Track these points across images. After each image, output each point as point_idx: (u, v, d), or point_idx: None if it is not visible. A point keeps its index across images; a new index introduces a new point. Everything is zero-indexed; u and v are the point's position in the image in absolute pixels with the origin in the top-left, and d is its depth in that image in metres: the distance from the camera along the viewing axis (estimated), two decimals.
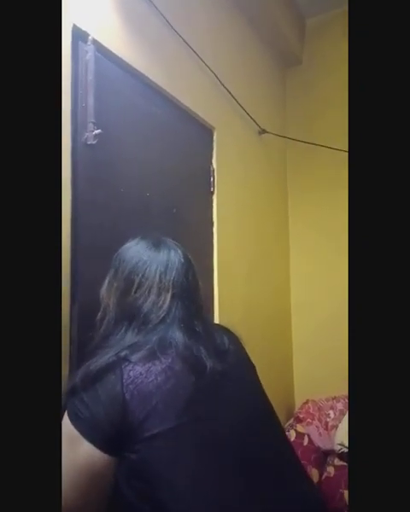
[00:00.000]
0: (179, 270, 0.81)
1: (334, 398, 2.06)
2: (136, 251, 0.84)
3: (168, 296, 0.78)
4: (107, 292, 0.84)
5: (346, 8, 2.32)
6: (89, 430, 0.64)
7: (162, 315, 0.75)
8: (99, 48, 1.17)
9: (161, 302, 0.77)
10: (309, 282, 2.36)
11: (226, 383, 0.74)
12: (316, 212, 2.38)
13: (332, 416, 1.94)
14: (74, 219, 1.06)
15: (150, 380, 0.67)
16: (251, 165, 2.04)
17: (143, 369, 0.67)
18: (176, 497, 0.61)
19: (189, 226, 1.54)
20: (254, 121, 2.02)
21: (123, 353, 0.69)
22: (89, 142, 1.09)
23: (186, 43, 1.55)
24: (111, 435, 0.64)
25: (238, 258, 1.85)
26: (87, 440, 0.64)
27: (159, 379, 0.67)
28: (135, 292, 0.78)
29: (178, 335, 0.73)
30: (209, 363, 0.71)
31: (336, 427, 1.88)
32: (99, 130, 1.10)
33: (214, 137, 1.72)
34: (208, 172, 1.68)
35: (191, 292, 0.82)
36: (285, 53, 2.43)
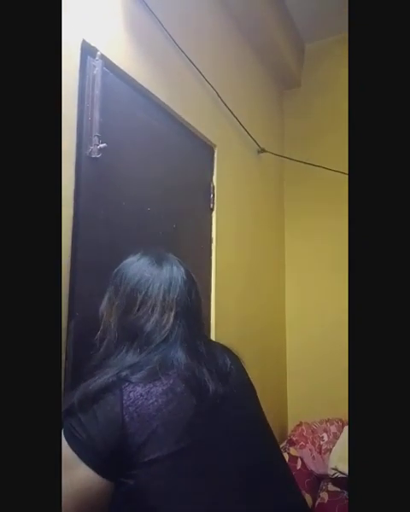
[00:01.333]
0: (182, 287, 0.79)
1: (327, 421, 2.02)
2: (138, 267, 0.81)
3: (172, 315, 0.75)
4: (107, 310, 0.81)
5: (345, 34, 2.39)
6: (86, 452, 0.62)
7: (165, 334, 0.73)
8: (106, 63, 1.18)
9: (164, 321, 0.74)
10: (304, 300, 2.36)
11: (227, 406, 0.72)
12: (312, 231, 2.39)
13: (326, 439, 1.91)
14: (75, 234, 1.04)
15: (151, 402, 0.64)
16: (250, 184, 2.05)
17: (144, 391, 0.65)
18: None
19: (188, 243, 1.53)
20: (254, 140, 2.04)
21: (124, 373, 0.67)
22: (93, 156, 1.09)
23: (190, 61, 1.57)
24: (108, 458, 0.61)
25: (236, 276, 1.84)
26: (84, 463, 0.62)
27: (160, 401, 0.65)
28: (138, 310, 0.75)
29: (180, 355, 0.71)
30: (212, 386, 0.69)
31: (329, 450, 1.84)
32: (104, 144, 1.10)
33: (215, 155, 1.72)
34: (209, 189, 1.68)
35: (194, 310, 0.80)
36: (284, 75, 2.48)
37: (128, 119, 1.28)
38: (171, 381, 0.67)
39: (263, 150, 2.11)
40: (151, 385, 0.66)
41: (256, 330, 2.00)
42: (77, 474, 0.62)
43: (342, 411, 1.98)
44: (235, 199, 1.88)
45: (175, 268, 0.81)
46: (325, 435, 1.93)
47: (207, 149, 1.69)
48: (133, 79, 1.30)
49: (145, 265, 0.81)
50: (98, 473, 0.61)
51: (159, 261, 0.82)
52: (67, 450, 0.62)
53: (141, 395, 0.64)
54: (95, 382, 0.66)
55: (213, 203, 1.69)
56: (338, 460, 1.73)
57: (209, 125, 1.69)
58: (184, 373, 0.69)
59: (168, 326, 0.74)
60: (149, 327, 0.74)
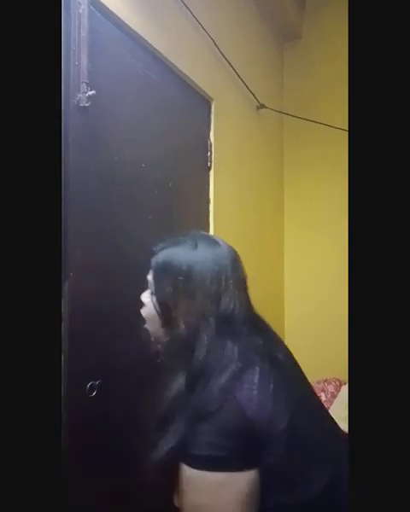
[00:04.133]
0: (237, 266, 0.76)
1: (325, 381, 2.04)
2: (202, 257, 0.73)
3: (243, 296, 0.74)
4: (182, 310, 0.71)
5: None
6: (230, 463, 0.60)
7: (241, 317, 0.71)
8: (93, 2, 1.07)
9: (237, 304, 0.71)
10: (303, 263, 2.33)
11: (293, 371, 0.76)
12: (311, 191, 2.33)
13: (324, 398, 1.93)
14: (65, 187, 0.98)
15: (261, 390, 0.64)
16: (249, 142, 1.96)
17: (250, 381, 0.65)
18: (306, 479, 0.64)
19: (185, 203, 1.47)
20: (253, 95, 1.94)
21: (230, 372, 0.64)
22: (81, 105, 1.01)
23: (186, 6, 1.45)
24: (249, 454, 0.61)
25: (235, 238, 1.79)
26: (236, 471, 0.60)
27: (264, 386, 0.65)
28: (219, 300, 0.70)
29: (257, 339, 0.71)
30: (281, 357, 0.72)
31: (327, 409, 1.87)
32: (93, 92, 1.02)
33: (212, 109, 1.63)
34: (206, 147, 1.60)
35: (246, 287, 0.78)
36: (284, 25, 2.33)
37: (119, 67, 1.19)
38: (260, 364, 0.67)
39: (263, 106, 2.01)
40: (253, 374, 0.66)
41: (256, 292, 1.97)
42: (240, 488, 0.60)
43: (340, 372, 2.00)
44: (233, 157, 1.80)
45: (226, 247, 0.77)
46: (322, 395, 1.95)
47: (204, 103, 1.60)
48: (124, 23, 1.20)
49: (206, 253, 0.73)
50: (252, 468, 0.61)
51: (211, 243, 0.76)
52: (209, 476, 0.60)
53: (251, 388, 0.64)
54: (215, 397, 0.62)
55: (211, 161, 1.61)
56: (336, 419, 1.75)
57: (206, 77, 1.59)
58: (265, 354, 0.70)
59: (243, 309, 0.72)
60: (230, 313, 0.70)
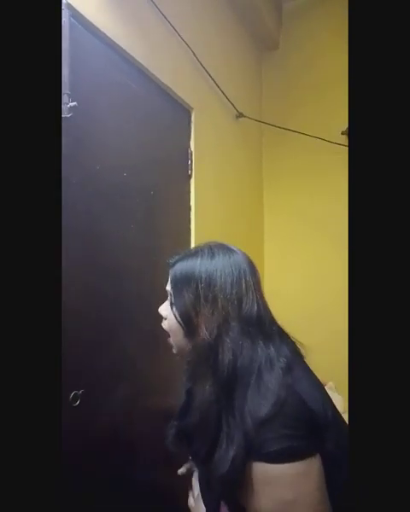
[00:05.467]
0: (256, 270, 0.80)
1: None
2: (221, 264, 0.75)
3: (263, 298, 0.77)
4: (204, 317, 0.72)
5: None
6: (307, 450, 0.63)
7: (268, 317, 0.76)
8: (74, 14, 1.09)
9: (262, 304, 0.76)
10: (282, 269, 2.36)
11: None
12: (291, 199, 2.37)
13: None
14: None
15: (309, 381, 0.70)
16: (228, 150, 1.99)
17: (299, 375, 0.69)
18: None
19: (167, 210, 1.48)
20: (232, 104, 1.98)
21: (280, 368, 0.68)
22: (63, 115, 1.02)
23: (165, 18, 1.47)
24: (316, 441, 0.65)
25: None
26: (311, 458, 0.63)
27: (310, 378, 0.72)
28: (240, 303, 0.73)
29: (285, 336, 0.76)
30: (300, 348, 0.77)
31: None
32: (74, 103, 1.03)
33: (192, 119, 1.66)
34: (186, 155, 1.62)
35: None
36: (262, 36, 2.38)
37: (100, 78, 1.20)
38: (297, 357, 0.74)
39: (241, 115, 2.05)
40: (296, 366, 0.71)
41: None
42: (317, 474, 0.63)
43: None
44: (213, 165, 1.82)
45: (241, 254, 0.80)
46: None
47: (184, 112, 1.62)
48: (105, 34, 1.21)
49: (221, 259, 0.76)
50: (317, 454, 0.64)
51: (227, 251, 0.78)
52: (298, 466, 0.62)
53: (299, 379, 0.68)
54: (275, 392, 0.65)
55: (192, 170, 1.64)
56: None
57: (186, 86, 1.62)
58: (294, 347, 0.75)
59: (266, 309, 0.77)
60: (259, 314, 0.74)
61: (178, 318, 0.74)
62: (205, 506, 0.77)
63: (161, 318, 0.80)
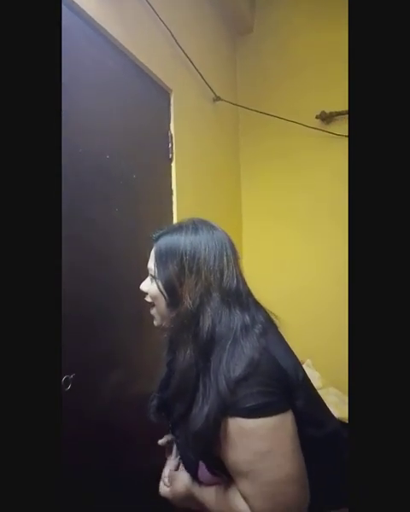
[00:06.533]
0: (235, 246, 0.83)
1: None
2: (205, 238, 0.78)
3: (241, 272, 0.82)
4: (188, 287, 0.76)
5: None
6: (280, 405, 0.68)
7: (246, 290, 0.80)
8: None
9: (241, 278, 0.80)
10: (259, 250, 2.38)
11: None
12: (267, 180, 2.38)
13: None
14: None
15: (281, 346, 0.77)
16: (207, 133, 1.98)
17: (273, 339, 0.75)
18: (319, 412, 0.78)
19: (149, 194, 1.47)
20: (210, 87, 1.96)
21: (256, 332, 0.73)
22: None
23: None
24: (288, 397, 0.70)
25: None
26: (284, 413, 0.68)
27: (282, 343, 0.78)
28: (221, 275, 0.77)
29: (261, 307, 0.81)
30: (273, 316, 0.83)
31: None
32: None
33: (172, 101, 1.63)
34: (167, 138, 1.60)
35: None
36: (236, 20, 2.36)
37: (78, 54, 1.16)
38: (271, 324, 0.79)
39: (219, 98, 2.04)
40: (271, 331, 0.77)
41: None
42: (290, 427, 0.67)
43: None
44: (193, 149, 1.81)
45: (221, 231, 0.83)
46: None
47: (163, 95, 1.60)
48: (83, 11, 1.17)
49: (204, 234, 0.79)
50: (290, 409, 0.69)
51: (209, 227, 0.81)
52: (274, 419, 0.66)
53: (274, 342, 0.74)
54: (249, 353, 0.69)
55: (172, 153, 1.62)
56: None
57: (165, 68, 1.59)
58: (268, 316, 0.81)
59: (244, 283, 0.81)
60: (237, 285, 0.78)
61: (162, 288, 0.77)
62: (185, 470, 0.81)
63: (144, 296, 0.83)
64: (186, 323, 0.73)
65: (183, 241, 0.77)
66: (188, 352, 0.72)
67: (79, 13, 1.17)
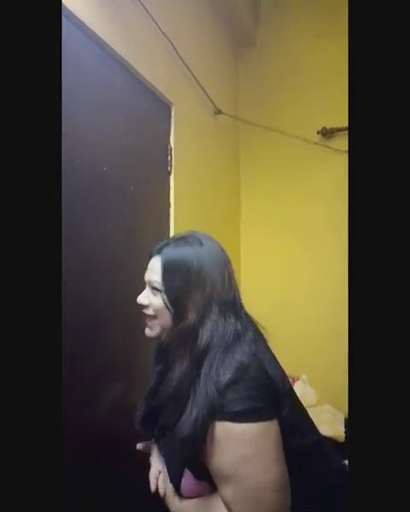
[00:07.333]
0: (227, 257, 0.85)
1: None
2: (209, 252, 0.80)
3: (236, 284, 0.83)
4: (194, 301, 0.77)
5: None
6: (267, 412, 0.69)
7: (239, 300, 0.82)
8: None
9: (237, 289, 0.82)
10: (258, 265, 2.37)
11: None
12: (267, 194, 2.38)
13: None
14: None
15: (268, 354, 0.79)
16: (207, 146, 1.98)
17: (261, 347, 0.77)
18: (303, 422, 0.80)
19: (146, 206, 1.46)
20: (211, 101, 1.97)
21: (247, 340, 0.75)
22: None
23: (146, 10, 1.44)
24: (274, 405, 0.71)
25: None
26: (271, 420, 0.69)
27: (269, 352, 0.80)
28: (222, 288, 0.79)
29: (249, 316, 0.83)
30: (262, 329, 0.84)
31: None
32: None
33: (172, 114, 1.64)
34: (166, 151, 1.60)
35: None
36: (240, 33, 2.38)
37: (78, 67, 1.17)
38: (259, 333, 0.81)
39: (220, 112, 2.04)
40: (259, 340, 0.79)
41: None
42: (275, 434, 0.68)
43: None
44: (193, 162, 1.81)
45: (219, 244, 0.85)
46: None
47: (163, 108, 1.60)
48: (85, 25, 1.18)
49: (208, 248, 0.81)
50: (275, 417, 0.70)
51: (210, 241, 0.83)
52: (260, 425, 0.67)
53: (262, 352, 0.76)
54: (248, 361, 0.71)
55: (171, 166, 1.62)
56: None
57: (166, 81, 1.59)
58: (256, 326, 0.82)
59: (238, 294, 0.83)
60: (234, 295, 0.80)
61: (168, 302, 0.77)
62: (169, 477, 0.80)
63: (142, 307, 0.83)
64: (187, 336, 0.74)
65: (190, 254, 0.78)
66: (185, 363, 0.73)
67: (81, 27, 1.17)
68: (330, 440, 1.64)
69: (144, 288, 0.82)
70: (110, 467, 1.18)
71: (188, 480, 0.75)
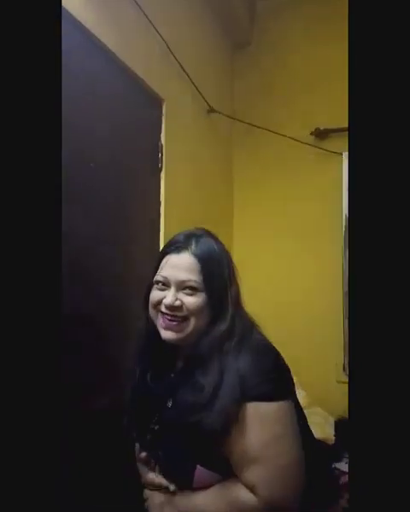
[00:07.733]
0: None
1: None
2: (217, 246, 0.83)
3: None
4: (233, 297, 0.80)
5: None
6: (287, 392, 0.74)
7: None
8: None
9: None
10: (250, 264, 2.35)
11: None
12: (259, 195, 2.36)
13: None
14: None
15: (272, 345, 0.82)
16: (199, 145, 1.96)
17: (267, 339, 0.82)
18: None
19: (135, 204, 1.43)
20: (204, 99, 1.94)
21: (258, 331, 0.80)
22: None
23: (140, 7, 1.42)
24: (289, 388, 0.77)
25: None
26: (291, 400, 0.74)
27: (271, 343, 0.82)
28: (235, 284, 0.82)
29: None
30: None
31: None
32: None
33: (164, 111, 1.61)
34: (156, 148, 1.58)
35: None
36: (235, 32, 2.36)
37: (70, 65, 1.14)
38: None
39: (213, 110, 2.02)
40: (263, 332, 0.83)
41: None
42: (294, 413, 0.73)
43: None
44: (184, 160, 1.78)
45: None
46: None
47: (155, 104, 1.58)
48: (76, 19, 1.15)
49: (221, 244, 0.84)
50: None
51: (216, 237, 0.86)
52: (286, 404, 0.71)
53: (269, 341, 0.81)
54: (265, 346, 0.78)
55: (162, 163, 1.59)
56: None
57: (158, 77, 1.57)
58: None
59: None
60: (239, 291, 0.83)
61: (210, 302, 0.75)
62: (177, 479, 0.77)
63: (143, 313, 0.82)
64: (225, 338, 0.74)
65: (220, 250, 0.79)
66: (217, 367, 0.72)
67: (73, 22, 1.14)
68: (319, 443, 1.62)
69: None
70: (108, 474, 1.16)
71: (199, 472, 0.74)
